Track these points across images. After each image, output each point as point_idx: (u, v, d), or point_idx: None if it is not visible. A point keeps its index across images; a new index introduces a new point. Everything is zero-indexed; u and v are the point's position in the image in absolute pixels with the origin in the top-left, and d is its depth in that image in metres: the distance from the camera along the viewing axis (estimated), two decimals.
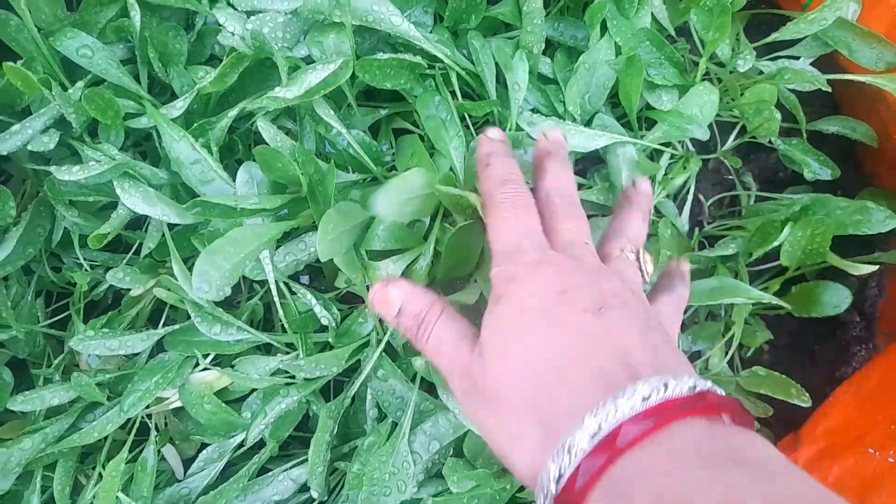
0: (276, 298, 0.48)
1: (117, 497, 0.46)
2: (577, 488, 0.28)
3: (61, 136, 0.45)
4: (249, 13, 0.48)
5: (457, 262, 0.46)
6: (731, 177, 0.62)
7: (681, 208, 0.57)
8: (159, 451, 0.52)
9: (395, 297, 0.38)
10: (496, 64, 0.52)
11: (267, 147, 0.43)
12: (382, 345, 0.49)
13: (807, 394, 0.51)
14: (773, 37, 0.55)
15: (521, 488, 0.49)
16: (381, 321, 0.50)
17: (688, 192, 0.57)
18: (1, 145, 0.44)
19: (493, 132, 0.42)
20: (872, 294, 0.64)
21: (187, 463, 0.53)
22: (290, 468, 0.52)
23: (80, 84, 0.46)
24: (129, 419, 0.50)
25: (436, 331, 0.37)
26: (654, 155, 0.55)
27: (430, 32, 0.53)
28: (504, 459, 0.33)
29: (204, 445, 0.52)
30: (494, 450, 0.34)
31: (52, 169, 0.43)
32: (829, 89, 0.53)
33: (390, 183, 0.44)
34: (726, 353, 0.55)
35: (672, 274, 0.44)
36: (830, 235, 0.49)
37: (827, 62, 0.58)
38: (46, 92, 0.41)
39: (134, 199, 0.43)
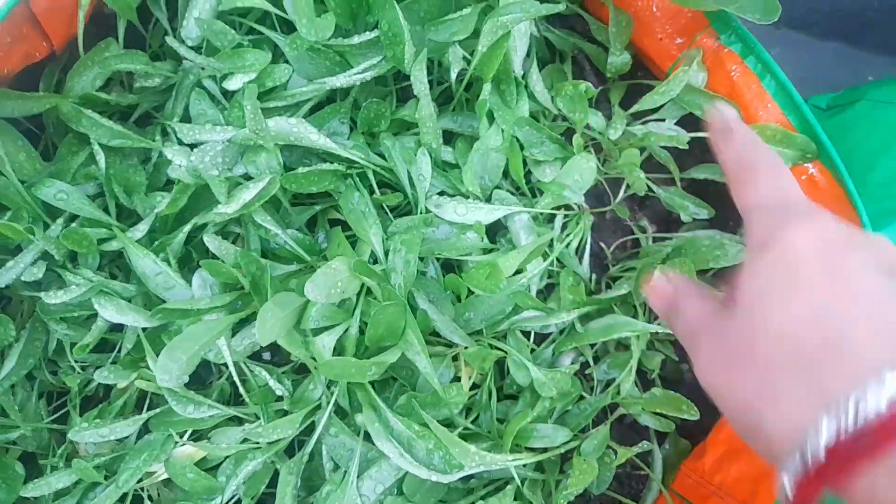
0: (235, 377, 0.57)
1: None
2: (856, 453, 0.25)
3: (47, 266, 0.55)
4: (193, 145, 0.58)
5: (384, 333, 0.55)
6: (629, 223, 0.71)
7: (581, 258, 0.66)
8: None
9: (661, 289, 0.40)
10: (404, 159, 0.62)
11: (211, 260, 0.53)
12: (331, 407, 0.58)
13: (695, 408, 0.59)
14: (635, 108, 0.64)
15: None
16: (327, 387, 0.59)
17: (585, 242, 0.66)
18: (1, 279, 0.54)
19: (726, 108, 0.39)
20: None
21: None
22: None
23: (59, 221, 0.56)
24: (125, 493, 0.59)
25: (680, 304, 0.38)
26: (552, 217, 0.65)
27: (348, 138, 0.63)
28: (750, 426, 0.31)
29: None
30: (737, 416, 0.32)
31: (41, 295, 0.53)
32: (687, 147, 0.63)
33: (317, 273, 0.54)
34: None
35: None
36: (693, 271, 0.58)
37: (692, 120, 0.67)
38: (31, 237, 0.52)
39: (109, 312, 0.53)
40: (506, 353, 0.58)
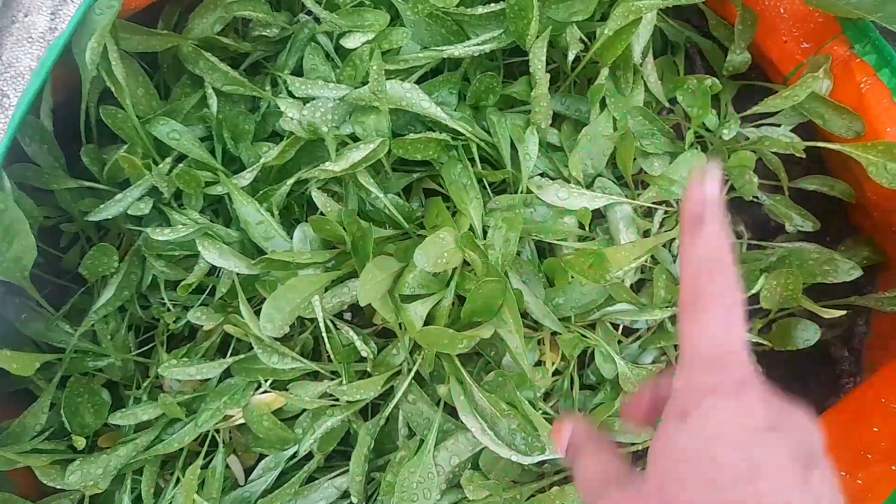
0: (324, 334, 0.57)
1: (193, 498, 0.55)
2: None
3: (153, 203, 0.56)
4: (305, 100, 0.58)
5: (480, 308, 0.55)
6: None
7: (675, 256, 0.65)
8: (225, 460, 0.61)
9: (565, 434, 0.38)
10: (511, 136, 0.61)
11: (318, 217, 0.53)
12: (412, 374, 0.58)
13: None
14: (754, 109, 0.62)
15: (530, 497, 0.57)
16: (410, 353, 0.59)
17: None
18: (108, 211, 0.55)
19: (711, 181, 0.32)
20: (860, 331, 0.71)
21: (247, 471, 0.63)
22: (334, 477, 0.61)
23: (168, 160, 0.57)
24: (201, 433, 0.60)
25: (579, 460, 0.36)
26: (651, 211, 0.64)
27: (455, 109, 0.62)
28: None
29: (261, 456, 0.62)
30: None
31: (148, 230, 0.54)
32: (804, 156, 0.61)
33: (427, 241, 0.53)
34: None
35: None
36: (800, 284, 0.56)
37: (808, 128, 0.65)
38: (147, 172, 0.52)
39: (212, 255, 0.53)
40: (594, 342, 0.58)
